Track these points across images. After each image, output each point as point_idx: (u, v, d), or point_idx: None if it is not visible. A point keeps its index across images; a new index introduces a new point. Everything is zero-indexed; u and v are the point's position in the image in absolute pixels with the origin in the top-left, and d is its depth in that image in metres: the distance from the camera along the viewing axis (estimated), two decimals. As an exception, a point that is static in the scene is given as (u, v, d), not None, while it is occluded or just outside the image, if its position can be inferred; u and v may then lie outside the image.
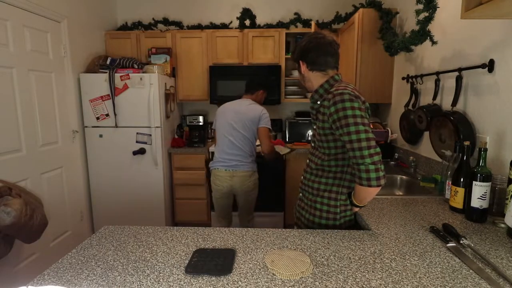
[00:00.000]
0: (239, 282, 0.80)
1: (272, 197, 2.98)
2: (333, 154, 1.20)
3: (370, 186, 1.04)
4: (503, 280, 0.81)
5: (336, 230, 1.11)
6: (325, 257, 0.93)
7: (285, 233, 1.09)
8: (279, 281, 0.81)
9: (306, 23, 3.20)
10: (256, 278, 0.82)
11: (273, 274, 0.84)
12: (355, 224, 1.28)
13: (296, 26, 3.21)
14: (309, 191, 1.28)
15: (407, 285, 0.79)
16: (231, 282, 0.80)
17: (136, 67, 2.79)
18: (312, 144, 1.32)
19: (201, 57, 3.14)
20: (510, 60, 1.32)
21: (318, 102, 1.22)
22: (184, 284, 0.80)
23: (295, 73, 3.26)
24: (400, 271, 0.85)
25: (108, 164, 2.81)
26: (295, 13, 3.23)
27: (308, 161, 1.32)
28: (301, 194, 1.36)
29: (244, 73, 3.09)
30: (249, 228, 1.14)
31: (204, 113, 3.44)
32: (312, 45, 1.21)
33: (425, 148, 2.03)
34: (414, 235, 1.09)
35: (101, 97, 2.73)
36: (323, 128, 1.17)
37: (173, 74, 3.15)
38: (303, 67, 1.25)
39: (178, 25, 3.31)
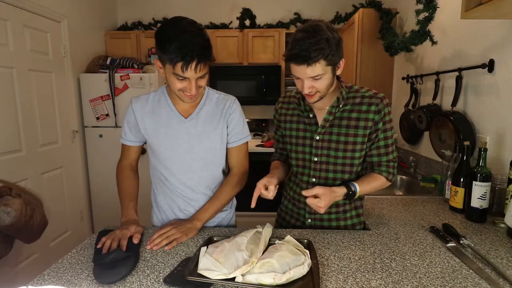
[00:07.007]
0: (239, 282, 0.80)
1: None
2: (360, 162, 1.10)
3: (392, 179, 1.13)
4: (503, 280, 0.81)
5: (336, 230, 1.11)
6: (325, 257, 0.93)
7: (285, 233, 1.09)
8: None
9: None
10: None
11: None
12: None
13: (296, 26, 3.20)
14: (332, 211, 1.14)
15: (407, 285, 0.79)
16: None
17: (136, 67, 2.80)
18: (319, 166, 1.10)
19: (201, 57, 3.15)
20: (510, 60, 1.32)
21: (340, 106, 1.06)
22: (184, 284, 0.79)
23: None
24: (400, 271, 0.85)
25: (108, 164, 2.80)
26: (295, 13, 3.23)
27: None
28: (310, 220, 1.17)
29: (244, 73, 3.09)
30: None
31: (204, 113, 3.44)
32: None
33: (425, 148, 2.03)
34: (414, 235, 1.09)
35: (101, 97, 2.73)
36: (363, 136, 1.04)
37: (173, 74, 3.14)
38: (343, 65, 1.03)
39: (178, 25, 3.31)
